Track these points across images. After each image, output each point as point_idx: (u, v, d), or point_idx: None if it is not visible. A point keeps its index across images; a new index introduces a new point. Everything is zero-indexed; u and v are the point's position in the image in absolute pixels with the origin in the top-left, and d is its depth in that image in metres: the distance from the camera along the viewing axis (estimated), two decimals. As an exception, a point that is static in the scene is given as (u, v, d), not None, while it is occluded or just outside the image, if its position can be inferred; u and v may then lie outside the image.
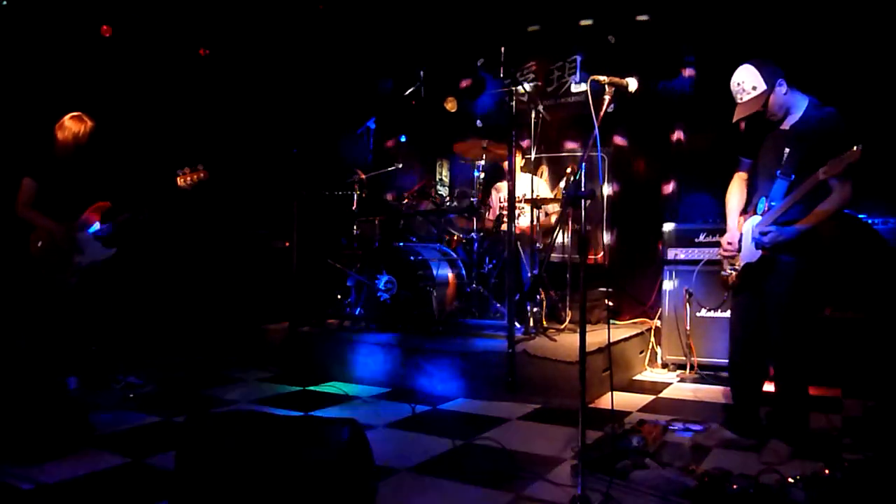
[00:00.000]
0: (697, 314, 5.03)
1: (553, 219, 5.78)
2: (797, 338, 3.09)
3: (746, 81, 3.04)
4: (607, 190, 6.20)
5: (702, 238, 5.07)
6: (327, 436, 2.38)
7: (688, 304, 5.03)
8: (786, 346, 3.10)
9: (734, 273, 3.27)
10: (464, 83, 6.69)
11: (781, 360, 3.12)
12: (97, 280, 4.37)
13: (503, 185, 5.94)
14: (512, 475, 2.89)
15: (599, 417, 3.73)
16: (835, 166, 2.77)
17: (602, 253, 6.20)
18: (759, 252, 3.10)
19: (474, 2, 6.78)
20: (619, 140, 6.17)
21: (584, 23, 6.28)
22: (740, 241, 3.26)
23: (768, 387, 3.29)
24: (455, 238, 5.63)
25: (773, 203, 3.06)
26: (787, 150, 3.06)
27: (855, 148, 2.72)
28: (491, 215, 5.60)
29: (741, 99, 3.07)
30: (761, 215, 3.12)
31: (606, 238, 6.20)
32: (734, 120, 3.12)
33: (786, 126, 3.13)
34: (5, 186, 4.34)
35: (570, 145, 6.47)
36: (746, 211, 3.31)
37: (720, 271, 3.42)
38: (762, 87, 3.01)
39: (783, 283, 3.09)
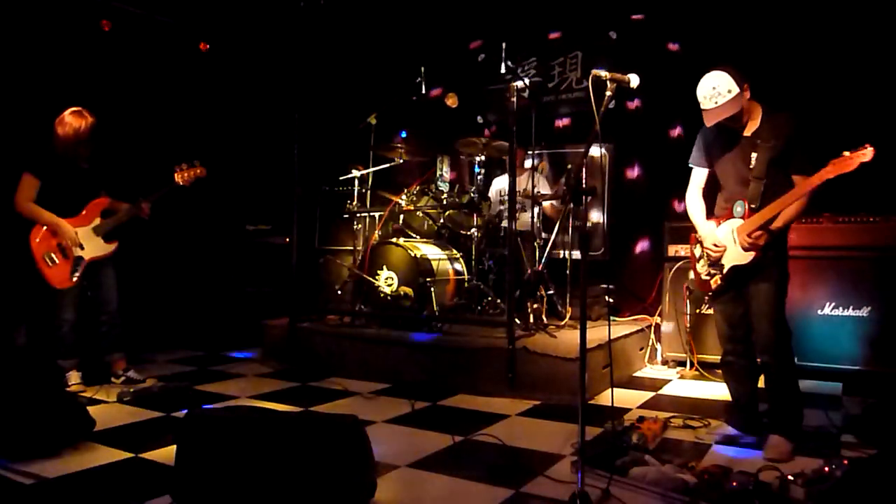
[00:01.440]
0: (697, 311, 5.03)
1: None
2: (788, 333, 3.14)
3: (721, 85, 3.08)
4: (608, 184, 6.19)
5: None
6: (327, 431, 2.39)
7: (688, 301, 5.03)
8: (779, 343, 3.13)
9: (719, 276, 3.29)
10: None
11: (775, 356, 3.13)
12: (98, 276, 4.37)
13: (503, 181, 5.92)
14: (512, 471, 2.89)
15: (599, 414, 3.74)
16: (844, 165, 2.79)
17: (602, 249, 6.19)
18: (752, 254, 3.12)
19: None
20: (618, 136, 6.15)
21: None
22: None
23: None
24: (455, 234, 5.62)
25: (752, 206, 3.11)
26: (753, 154, 3.14)
27: (869, 148, 2.76)
28: (492, 211, 5.59)
29: (716, 103, 3.09)
30: (741, 218, 3.16)
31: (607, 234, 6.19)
32: (711, 123, 3.13)
33: (747, 132, 3.19)
34: (6, 182, 4.33)
35: (570, 142, 6.45)
36: (718, 215, 3.35)
37: (702, 276, 3.41)
38: (736, 90, 3.06)
39: (773, 282, 3.14)
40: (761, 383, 3.30)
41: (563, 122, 6.47)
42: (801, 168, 3.05)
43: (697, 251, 3.47)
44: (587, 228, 6.04)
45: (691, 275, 3.67)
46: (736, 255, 3.20)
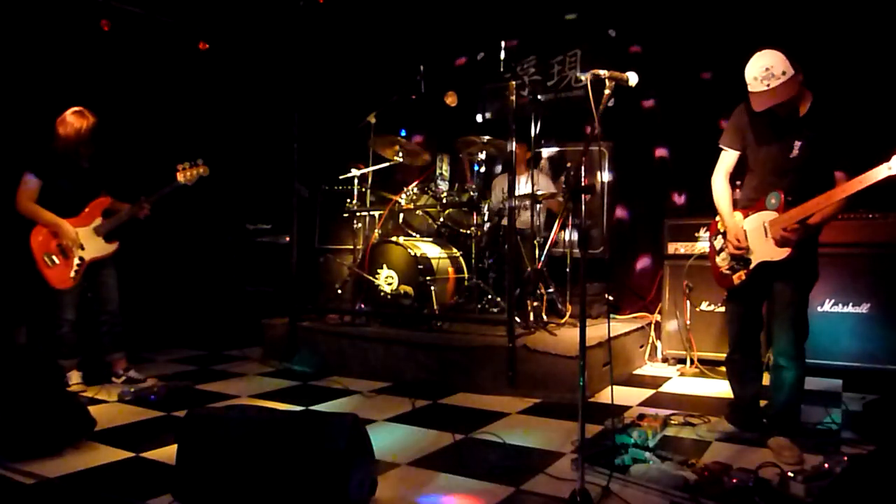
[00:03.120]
0: (697, 308, 5.03)
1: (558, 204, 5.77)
2: (806, 336, 3.08)
3: (776, 66, 2.85)
4: (607, 182, 6.19)
5: (702, 232, 5.06)
6: (328, 430, 2.39)
7: (688, 299, 5.03)
8: (798, 345, 3.07)
9: (743, 272, 3.14)
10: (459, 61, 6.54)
11: (793, 359, 3.07)
12: (98, 276, 4.38)
13: (504, 179, 5.92)
14: (512, 469, 2.89)
15: (599, 411, 3.73)
16: None
17: (602, 247, 6.19)
18: (785, 251, 2.98)
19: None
20: (618, 135, 6.15)
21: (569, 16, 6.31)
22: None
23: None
24: (455, 232, 5.62)
25: (790, 199, 2.97)
26: (797, 143, 2.98)
27: None
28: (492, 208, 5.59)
29: (768, 85, 2.86)
30: (776, 211, 3.01)
31: (606, 232, 6.20)
32: (762, 107, 2.91)
33: (793, 119, 3.01)
34: (6, 182, 4.33)
35: (569, 140, 6.45)
36: (746, 206, 3.20)
37: (723, 270, 3.27)
38: (791, 71, 2.85)
39: (800, 281, 3.05)
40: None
41: (562, 120, 6.44)
42: (845, 165, 2.91)
43: (718, 242, 3.30)
44: (587, 226, 6.05)
45: (712, 263, 3.40)
46: (767, 251, 3.04)
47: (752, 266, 3.12)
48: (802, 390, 3.14)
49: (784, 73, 2.84)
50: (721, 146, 3.29)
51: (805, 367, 3.11)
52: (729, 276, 3.24)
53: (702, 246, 4.97)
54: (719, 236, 3.32)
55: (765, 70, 2.86)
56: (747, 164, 3.25)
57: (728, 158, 3.27)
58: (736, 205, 3.27)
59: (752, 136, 3.15)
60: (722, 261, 3.28)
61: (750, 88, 2.94)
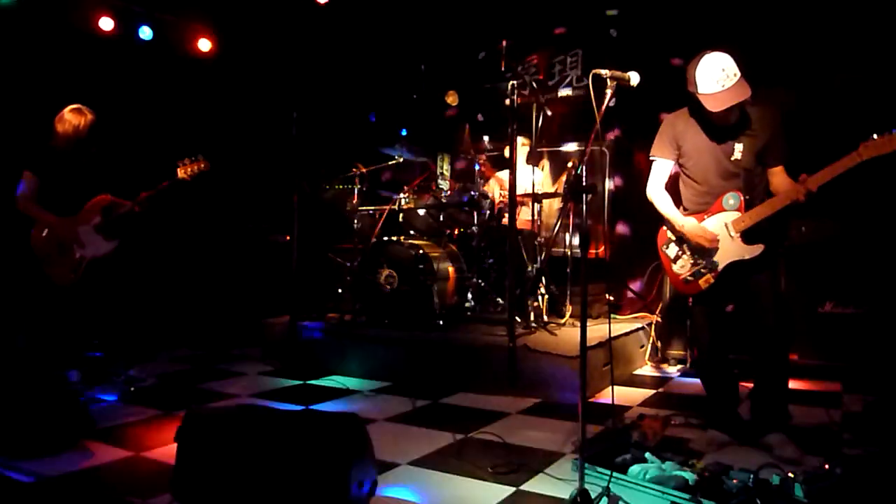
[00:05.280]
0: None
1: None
2: (789, 328, 3.10)
3: (729, 68, 2.88)
4: (609, 184, 6.18)
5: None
6: (328, 430, 2.39)
7: (689, 299, 5.02)
8: (784, 339, 3.08)
9: (710, 275, 3.13)
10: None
11: (780, 353, 3.08)
12: (98, 274, 4.37)
13: (504, 176, 5.91)
14: (512, 469, 2.89)
15: (600, 412, 3.74)
16: (880, 147, 2.69)
17: (603, 247, 6.19)
18: (759, 248, 3.02)
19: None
20: (619, 134, 6.14)
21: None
22: None
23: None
24: (455, 232, 5.62)
25: (746, 197, 3.03)
26: (738, 145, 3.03)
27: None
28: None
29: (724, 86, 2.87)
30: (737, 211, 3.04)
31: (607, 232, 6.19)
32: (721, 108, 2.90)
33: (730, 121, 3.01)
34: (5, 180, 4.33)
35: (570, 139, 6.44)
36: (696, 210, 3.18)
37: (684, 277, 3.21)
38: (739, 72, 2.88)
39: (774, 275, 3.12)
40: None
41: (563, 120, 6.42)
42: (782, 159, 3.03)
43: (671, 251, 3.28)
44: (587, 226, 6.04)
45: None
46: (736, 250, 3.06)
47: (720, 268, 3.12)
48: (788, 383, 3.14)
49: (735, 75, 2.88)
50: (653, 157, 3.29)
51: (789, 360, 3.11)
52: (693, 281, 3.20)
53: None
54: (671, 244, 3.29)
55: (721, 71, 2.89)
56: (681, 173, 3.26)
57: (663, 168, 3.28)
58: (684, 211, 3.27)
59: (688, 144, 3.17)
60: (681, 268, 3.23)
61: (704, 90, 2.92)
